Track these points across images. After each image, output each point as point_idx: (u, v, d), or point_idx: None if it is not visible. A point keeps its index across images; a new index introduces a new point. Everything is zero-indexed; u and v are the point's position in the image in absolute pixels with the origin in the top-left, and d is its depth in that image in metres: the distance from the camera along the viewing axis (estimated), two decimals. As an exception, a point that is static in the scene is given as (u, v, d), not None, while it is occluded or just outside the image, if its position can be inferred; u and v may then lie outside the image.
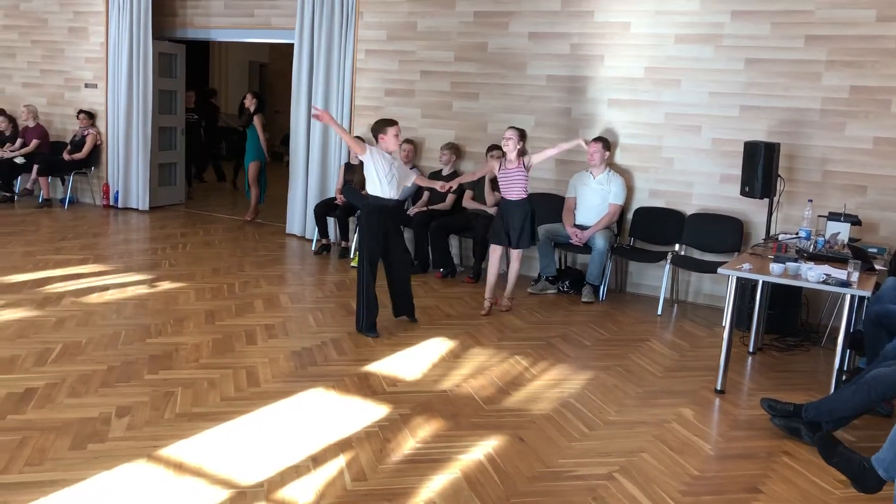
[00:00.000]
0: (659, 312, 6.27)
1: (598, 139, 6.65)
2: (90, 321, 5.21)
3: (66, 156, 9.62)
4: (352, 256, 7.45)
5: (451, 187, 5.70)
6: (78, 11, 9.79)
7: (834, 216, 5.30)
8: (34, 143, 9.67)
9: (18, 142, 9.80)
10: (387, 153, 5.26)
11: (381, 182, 5.18)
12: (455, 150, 7.44)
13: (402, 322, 5.58)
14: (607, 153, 6.65)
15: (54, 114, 10.18)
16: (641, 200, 6.81)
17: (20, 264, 6.61)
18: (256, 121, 9.05)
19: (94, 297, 5.77)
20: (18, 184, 10.03)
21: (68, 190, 9.83)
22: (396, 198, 5.30)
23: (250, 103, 9.04)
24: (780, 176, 5.84)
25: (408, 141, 7.56)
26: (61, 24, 9.94)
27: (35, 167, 9.56)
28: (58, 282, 6.13)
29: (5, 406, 3.78)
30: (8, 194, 9.80)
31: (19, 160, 9.61)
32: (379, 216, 5.22)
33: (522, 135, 5.88)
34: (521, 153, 5.84)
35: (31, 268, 6.52)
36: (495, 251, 5.99)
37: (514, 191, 5.83)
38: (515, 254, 6.01)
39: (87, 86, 9.89)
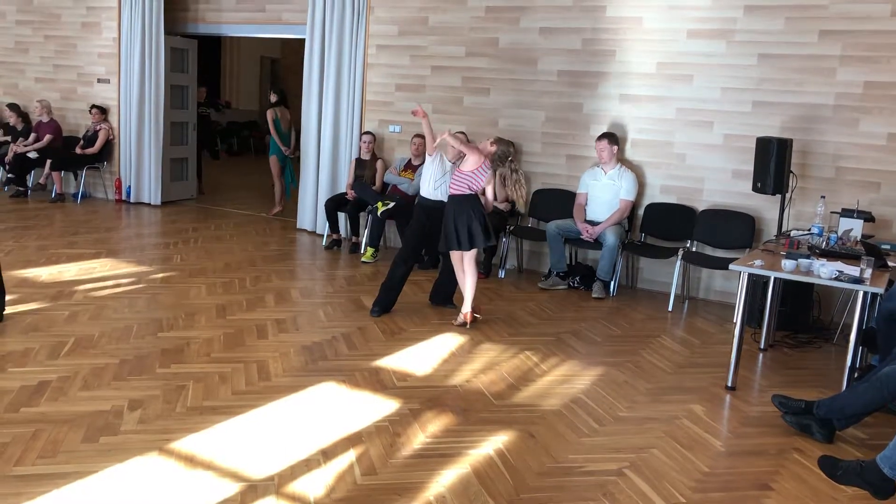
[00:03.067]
0: (670, 308, 6.25)
1: (604, 135, 6.63)
2: (103, 315, 5.24)
3: (78, 150, 9.67)
4: (362, 251, 7.46)
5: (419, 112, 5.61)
6: (91, 7, 9.83)
7: (847, 212, 5.27)
8: (47, 137, 9.72)
9: (32, 136, 9.85)
10: (449, 162, 5.65)
11: (428, 184, 5.67)
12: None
13: (412, 317, 5.59)
14: (615, 148, 6.63)
15: (67, 109, 10.24)
16: (653, 196, 6.78)
17: (34, 258, 6.66)
18: (268, 115, 9.18)
19: (106, 291, 5.80)
20: (32, 178, 10.09)
21: (81, 185, 9.88)
22: (436, 198, 5.61)
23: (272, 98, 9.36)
24: (792, 172, 5.81)
25: (419, 135, 7.56)
26: (74, 19, 9.98)
27: (48, 162, 9.61)
28: (71, 276, 6.17)
29: (19, 398, 3.82)
30: (21, 189, 9.87)
31: (32, 155, 9.67)
32: (419, 213, 5.72)
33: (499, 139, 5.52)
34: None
35: (45, 262, 6.57)
36: (457, 259, 5.52)
37: (459, 188, 5.38)
38: (468, 257, 5.48)
39: (99, 81, 9.93)
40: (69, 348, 4.57)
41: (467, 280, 5.44)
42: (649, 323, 5.86)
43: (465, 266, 5.46)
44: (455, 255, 5.49)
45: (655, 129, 6.72)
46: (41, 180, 9.91)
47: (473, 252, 5.46)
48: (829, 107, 6.03)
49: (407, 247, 5.72)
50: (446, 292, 5.87)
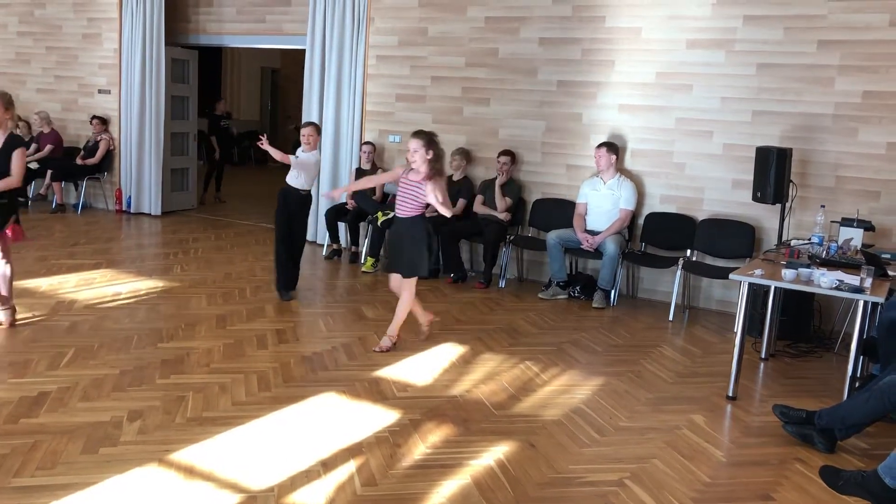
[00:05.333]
0: (670, 318, 6.24)
1: (603, 144, 6.64)
2: (102, 325, 5.24)
3: (79, 161, 9.68)
4: (363, 261, 7.46)
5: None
6: (92, 18, 9.87)
7: (847, 221, 5.27)
8: (48, 148, 9.74)
9: (32, 147, 9.87)
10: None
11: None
12: (465, 155, 7.44)
13: (413, 328, 5.58)
14: (614, 157, 6.63)
15: (68, 119, 10.26)
16: (652, 206, 6.79)
17: (34, 269, 6.65)
18: None
19: (106, 302, 5.80)
20: (32, 189, 10.10)
21: (81, 195, 9.89)
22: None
23: None
24: (792, 181, 5.81)
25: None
26: (75, 30, 10.02)
27: (49, 172, 9.62)
28: (71, 286, 6.17)
29: (18, 409, 3.81)
30: (21, 199, 9.83)
31: (33, 165, 9.67)
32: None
33: (430, 142, 4.83)
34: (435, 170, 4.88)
35: (45, 272, 6.56)
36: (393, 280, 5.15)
37: (406, 207, 4.96)
38: (405, 284, 5.02)
39: (100, 91, 9.96)
40: (69, 359, 4.56)
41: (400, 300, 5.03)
42: (650, 332, 5.85)
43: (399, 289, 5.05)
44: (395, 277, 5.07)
45: (655, 138, 6.73)
46: (42, 191, 9.92)
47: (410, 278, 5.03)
48: (828, 116, 6.04)
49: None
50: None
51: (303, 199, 6.16)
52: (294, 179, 6.05)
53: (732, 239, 6.35)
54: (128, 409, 3.88)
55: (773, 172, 5.58)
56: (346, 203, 7.85)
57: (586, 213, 6.75)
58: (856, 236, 5.11)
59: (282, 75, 18.16)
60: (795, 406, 4.11)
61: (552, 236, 6.63)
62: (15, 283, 6.08)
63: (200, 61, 10.38)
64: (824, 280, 4.14)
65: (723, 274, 5.88)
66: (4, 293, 5.09)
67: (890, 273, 4.59)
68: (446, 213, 4.87)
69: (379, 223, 7.13)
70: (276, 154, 5.89)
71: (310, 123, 6.24)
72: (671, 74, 6.60)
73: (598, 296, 6.49)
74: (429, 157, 4.78)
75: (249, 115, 17.64)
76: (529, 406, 4.25)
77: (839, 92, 5.99)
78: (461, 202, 7.28)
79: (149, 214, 9.68)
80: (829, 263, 4.66)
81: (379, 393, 4.31)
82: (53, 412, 3.81)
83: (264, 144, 5.85)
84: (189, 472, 3.29)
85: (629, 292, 6.95)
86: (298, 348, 5.00)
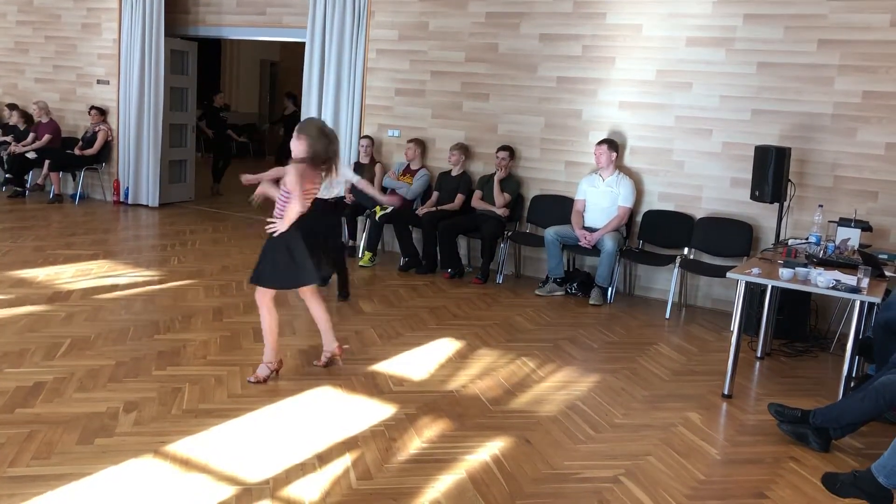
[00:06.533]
0: (667, 316, 6.25)
1: (604, 141, 6.64)
2: (99, 316, 5.23)
3: (77, 151, 9.66)
4: (360, 256, 7.45)
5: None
6: (91, 8, 9.83)
7: (844, 221, 5.28)
8: (46, 137, 9.71)
9: (30, 136, 9.85)
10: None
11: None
12: (464, 150, 7.43)
13: (409, 322, 5.58)
14: (614, 154, 6.63)
15: (66, 110, 10.23)
16: (651, 203, 6.79)
17: (31, 259, 6.64)
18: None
19: (103, 293, 5.79)
20: (30, 179, 10.08)
21: (79, 185, 9.87)
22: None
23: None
24: (790, 181, 5.81)
25: (416, 141, 7.57)
26: (74, 20, 9.99)
27: (46, 162, 9.61)
28: (67, 277, 6.16)
29: (14, 399, 3.80)
30: (19, 189, 9.85)
31: (31, 155, 9.66)
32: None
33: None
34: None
35: (42, 262, 6.55)
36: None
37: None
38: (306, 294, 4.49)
39: (99, 82, 9.93)
40: (65, 349, 4.55)
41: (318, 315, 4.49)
42: (646, 330, 5.86)
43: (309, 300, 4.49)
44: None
45: (654, 136, 6.73)
46: (39, 181, 9.90)
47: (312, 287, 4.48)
48: (827, 116, 6.04)
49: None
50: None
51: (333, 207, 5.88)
52: (325, 190, 5.27)
53: (730, 237, 6.36)
54: (124, 401, 3.88)
55: (772, 171, 5.58)
56: (343, 197, 7.83)
57: (584, 210, 6.75)
58: (853, 236, 5.11)
59: (281, 68, 18.11)
60: (791, 405, 4.12)
61: (550, 232, 6.63)
62: (12, 272, 6.09)
63: (200, 53, 10.35)
64: (821, 280, 4.15)
65: (720, 272, 5.89)
66: None
67: (887, 273, 4.60)
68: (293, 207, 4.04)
69: (377, 217, 7.13)
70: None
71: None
72: (671, 72, 6.59)
73: (595, 293, 6.49)
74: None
75: (248, 108, 17.59)
76: (525, 402, 4.25)
77: (839, 91, 5.99)
78: (459, 197, 7.29)
79: (146, 206, 9.67)
80: (827, 263, 4.66)
81: (375, 387, 4.31)
82: (49, 402, 3.81)
83: (249, 180, 4.58)
84: (185, 463, 3.29)
85: (626, 290, 6.96)
86: (295, 342, 5.00)
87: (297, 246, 4.20)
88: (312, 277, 4.35)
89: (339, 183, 5.78)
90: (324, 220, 5.53)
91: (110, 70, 9.80)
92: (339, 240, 6.11)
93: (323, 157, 4.09)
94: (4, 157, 9.89)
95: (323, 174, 4.17)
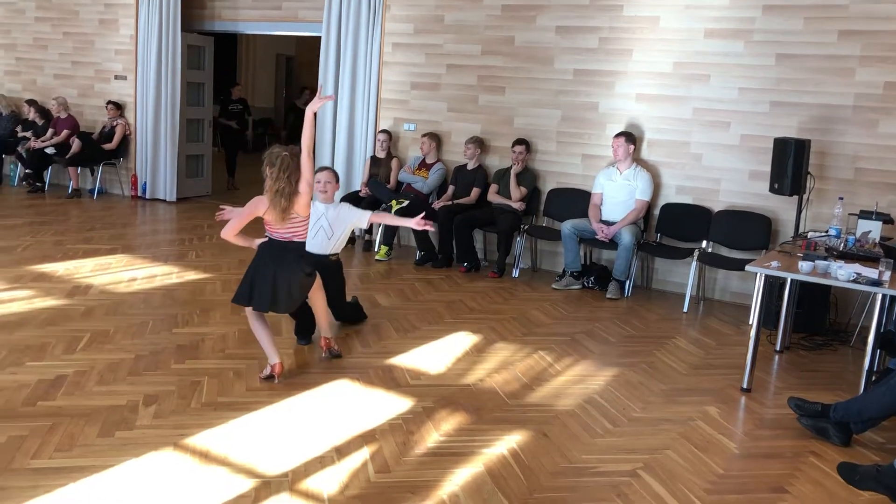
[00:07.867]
0: (685, 309, 6.22)
1: (621, 134, 6.60)
2: (118, 310, 5.27)
3: (95, 137, 9.75)
4: (376, 250, 7.46)
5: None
6: (108, 4, 9.89)
7: (865, 214, 5.21)
8: (64, 133, 9.79)
9: (49, 132, 9.93)
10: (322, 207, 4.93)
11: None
12: (480, 144, 7.42)
13: (426, 316, 5.59)
14: (632, 147, 6.59)
15: (85, 105, 10.30)
16: (668, 196, 6.75)
17: (50, 253, 6.70)
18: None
19: (122, 287, 5.84)
20: (49, 174, 10.17)
21: (97, 180, 9.95)
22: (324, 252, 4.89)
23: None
24: (810, 173, 5.76)
25: (431, 135, 7.57)
26: (92, 16, 10.05)
27: (75, 142, 9.67)
28: (87, 271, 6.21)
29: (36, 392, 3.85)
30: (39, 184, 9.94)
31: (50, 150, 9.74)
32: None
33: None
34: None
35: (61, 257, 6.61)
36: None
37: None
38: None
39: (116, 77, 9.99)
40: (85, 343, 4.60)
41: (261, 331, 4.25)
42: (664, 324, 5.83)
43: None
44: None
45: (672, 129, 6.68)
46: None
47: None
48: (848, 107, 5.98)
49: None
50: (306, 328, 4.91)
51: (333, 267, 5.06)
52: (320, 245, 4.92)
53: (748, 230, 6.31)
54: (143, 394, 3.91)
55: (791, 164, 5.52)
56: (359, 191, 7.85)
57: (602, 203, 6.72)
58: (874, 229, 5.05)
59: (297, 62, 18.14)
60: (810, 399, 4.09)
61: (567, 226, 6.61)
62: (32, 267, 6.15)
63: (216, 48, 10.38)
64: (841, 273, 4.11)
65: (738, 265, 5.84)
66: None
67: (908, 266, 4.55)
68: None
69: (393, 211, 7.13)
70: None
71: (324, 168, 5.16)
72: (689, 64, 6.54)
73: (612, 286, 6.47)
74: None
75: (264, 102, 17.65)
76: (543, 396, 4.25)
77: (860, 83, 5.92)
78: (475, 191, 7.28)
79: (164, 200, 9.73)
80: (847, 256, 4.62)
81: (392, 380, 4.32)
82: (70, 395, 3.84)
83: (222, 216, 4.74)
84: (204, 456, 3.31)
85: (644, 283, 6.93)
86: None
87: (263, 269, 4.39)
88: (263, 303, 4.22)
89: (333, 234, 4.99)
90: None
91: (128, 65, 9.85)
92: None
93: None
94: (24, 153, 9.98)
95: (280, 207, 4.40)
